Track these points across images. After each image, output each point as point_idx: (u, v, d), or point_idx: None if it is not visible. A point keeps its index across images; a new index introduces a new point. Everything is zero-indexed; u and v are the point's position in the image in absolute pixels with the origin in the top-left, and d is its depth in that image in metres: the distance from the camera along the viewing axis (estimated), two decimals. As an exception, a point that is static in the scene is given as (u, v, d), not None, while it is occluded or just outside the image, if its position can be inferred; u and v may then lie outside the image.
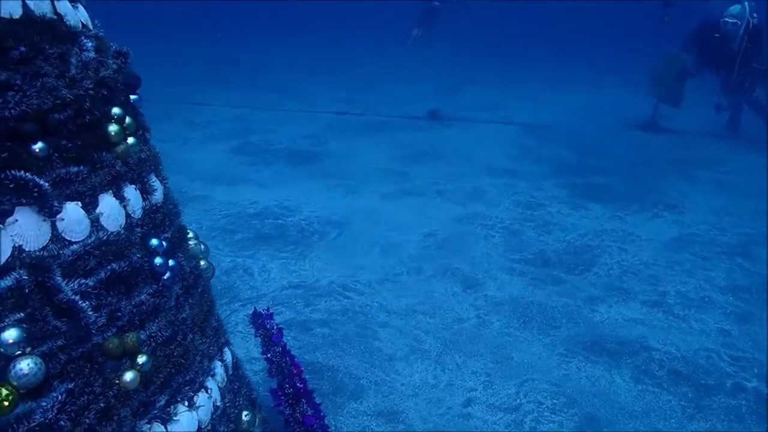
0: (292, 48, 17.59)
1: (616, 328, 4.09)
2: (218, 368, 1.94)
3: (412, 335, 3.89)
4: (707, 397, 3.44)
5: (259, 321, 2.61)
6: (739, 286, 4.68)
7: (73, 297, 1.44)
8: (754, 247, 5.42)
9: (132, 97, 1.80)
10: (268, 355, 2.43)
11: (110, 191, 1.61)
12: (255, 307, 2.86)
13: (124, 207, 1.65)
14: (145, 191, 1.75)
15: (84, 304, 1.45)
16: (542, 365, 3.67)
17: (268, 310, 2.70)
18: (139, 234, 1.67)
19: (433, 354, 3.71)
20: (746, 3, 8.42)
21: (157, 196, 1.80)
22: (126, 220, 1.65)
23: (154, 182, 1.80)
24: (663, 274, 4.86)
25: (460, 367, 3.59)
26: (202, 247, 2.08)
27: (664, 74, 9.73)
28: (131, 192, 1.69)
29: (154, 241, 1.71)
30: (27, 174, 1.40)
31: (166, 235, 1.80)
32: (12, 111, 1.39)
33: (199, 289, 1.93)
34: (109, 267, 1.56)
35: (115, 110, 1.65)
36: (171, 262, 1.73)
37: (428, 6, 12.88)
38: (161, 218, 1.80)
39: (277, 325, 2.58)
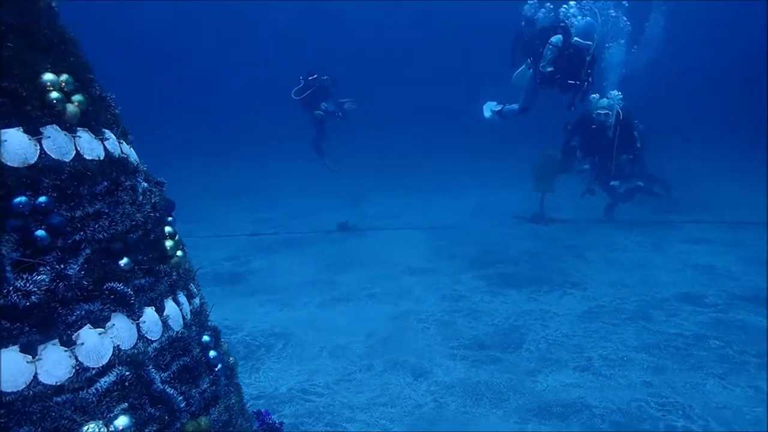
0: (196, 174, 17.81)
1: (557, 393, 4.53)
2: (259, 449, 2.15)
3: (379, 425, 4.12)
4: (647, 440, 3.90)
5: (260, 418, 2.80)
6: (649, 344, 5.31)
7: (163, 387, 1.68)
8: (651, 310, 6.15)
9: (168, 218, 2.10)
10: (278, 446, 2.62)
11: (170, 297, 1.89)
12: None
13: (180, 310, 1.92)
14: (190, 296, 2.02)
15: (173, 392, 1.69)
16: (502, 435, 4.00)
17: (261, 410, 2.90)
18: (195, 332, 1.94)
19: (403, 439, 3.95)
20: (611, 93, 9.75)
21: (197, 300, 2.07)
22: (183, 321, 1.91)
23: (194, 288, 2.08)
24: (584, 342, 5.41)
25: (431, 447, 3.85)
26: (226, 345, 2.32)
27: (543, 171, 10.92)
28: (182, 297, 1.96)
29: (206, 338, 1.97)
30: (120, 285, 1.67)
31: (208, 333, 2.06)
32: (105, 234, 1.67)
33: (235, 380, 2.17)
34: (179, 361, 1.81)
35: (168, 229, 1.95)
36: (221, 355, 1.99)
37: (313, 118, 13.18)
38: (203, 319, 2.07)
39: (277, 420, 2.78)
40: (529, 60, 9.53)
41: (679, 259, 7.93)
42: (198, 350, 1.91)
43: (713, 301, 6.26)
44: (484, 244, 9.08)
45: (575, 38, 8.54)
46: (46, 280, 1.50)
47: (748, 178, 13.30)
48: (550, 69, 8.75)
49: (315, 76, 12.13)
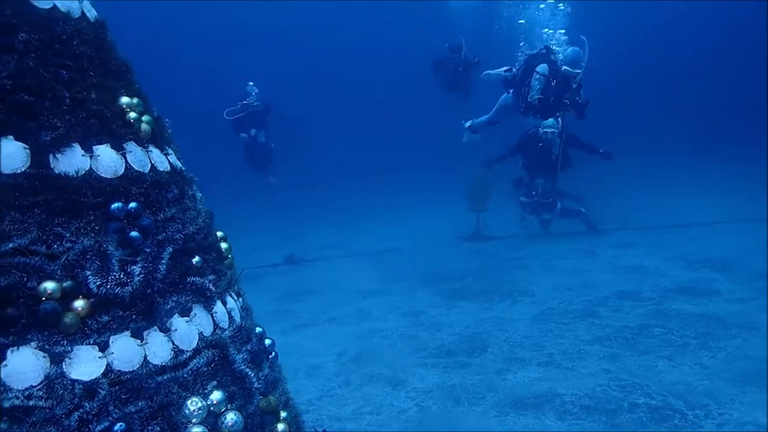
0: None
1: (528, 387, 4.88)
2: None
3: None
4: (615, 417, 4.29)
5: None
6: (600, 337, 5.78)
7: (243, 367, 1.89)
8: (596, 308, 6.65)
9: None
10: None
11: (229, 293, 2.09)
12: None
13: (237, 305, 2.12)
14: (239, 294, 2.23)
15: (251, 372, 1.90)
16: (486, 427, 4.29)
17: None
18: (250, 324, 2.14)
19: (395, 441, 4.17)
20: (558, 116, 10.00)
21: (241, 299, 2.28)
22: (240, 314, 2.12)
23: (240, 289, 2.28)
24: (542, 341, 5.82)
25: (424, 444, 4.09)
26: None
27: (477, 191, 11.50)
28: (234, 295, 2.17)
29: (259, 329, 2.18)
30: (199, 279, 1.88)
31: (258, 326, 2.27)
32: (180, 235, 1.88)
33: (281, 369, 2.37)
34: (246, 347, 2.02)
35: (219, 233, 2.17)
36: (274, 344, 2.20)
37: (243, 143, 13.02)
38: (251, 314, 2.27)
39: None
40: (509, 92, 9.83)
41: (612, 262, 8.56)
42: (255, 339, 2.12)
43: (649, 296, 6.84)
44: (429, 263, 9.44)
45: (564, 67, 8.67)
46: (139, 272, 1.70)
47: (666, 184, 14.40)
48: (539, 97, 8.84)
49: (248, 101, 12.18)
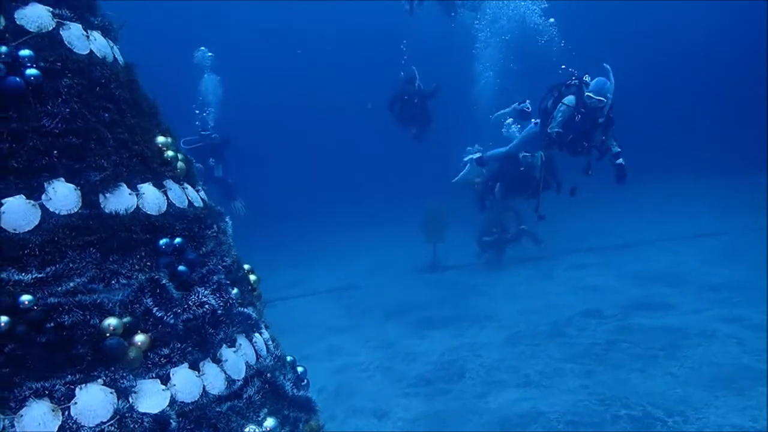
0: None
1: (511, 408, 4.99)
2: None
3: (364, 464, 4.33)
4: (601, 429, 4.44)
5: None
6: (572, 355, 5.97)
7: (293, 392, 1.93)
8: (563, 328, 6.87)
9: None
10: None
11: (262, 323, 2.14)
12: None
13: (268, 334, 2.17)
14: (266, 326, 2.28)
15: (306, 395, 1.95)
16: (478, 449, 4.37)
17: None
18: (281, 353, 2.19)
19: (390, 470, 4.19)
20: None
21: (270, 330, 2.32)
22: (272, 344, 2.16)
23: (266, 321, 2.33)
24: (517, 363, 5.96)
25: (420, 471, 4.13)
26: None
27: (432, 223, 11.72)
28: (264, 325, 2.21)
29: (290, 358, 2.23)
30: (245, 310, 1.93)
31: (287, 355, 2.31)
32: (220, 266, 1.93)
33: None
34: (288, 375, 2.06)
35: (246, 266, 2.22)
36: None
37: (199, 173, 12.52)
38: (279, 344, 2.32)
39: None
40: (535, 122, 9.51)
41: (569, 283, 8.87)
42: (289, 367, 2.17)
43: (610, 313, 7.12)
44: (392, 296, 9.52)
45: (587, 94, 7.95)
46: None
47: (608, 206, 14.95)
48: (558, 131, 8.21)
49: (207, 132, 11.87)
